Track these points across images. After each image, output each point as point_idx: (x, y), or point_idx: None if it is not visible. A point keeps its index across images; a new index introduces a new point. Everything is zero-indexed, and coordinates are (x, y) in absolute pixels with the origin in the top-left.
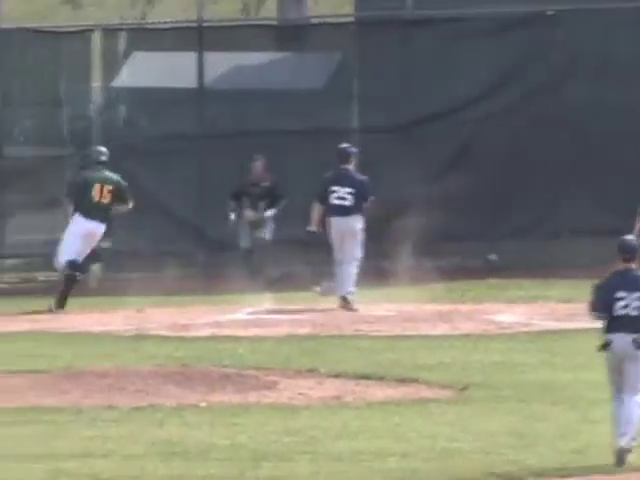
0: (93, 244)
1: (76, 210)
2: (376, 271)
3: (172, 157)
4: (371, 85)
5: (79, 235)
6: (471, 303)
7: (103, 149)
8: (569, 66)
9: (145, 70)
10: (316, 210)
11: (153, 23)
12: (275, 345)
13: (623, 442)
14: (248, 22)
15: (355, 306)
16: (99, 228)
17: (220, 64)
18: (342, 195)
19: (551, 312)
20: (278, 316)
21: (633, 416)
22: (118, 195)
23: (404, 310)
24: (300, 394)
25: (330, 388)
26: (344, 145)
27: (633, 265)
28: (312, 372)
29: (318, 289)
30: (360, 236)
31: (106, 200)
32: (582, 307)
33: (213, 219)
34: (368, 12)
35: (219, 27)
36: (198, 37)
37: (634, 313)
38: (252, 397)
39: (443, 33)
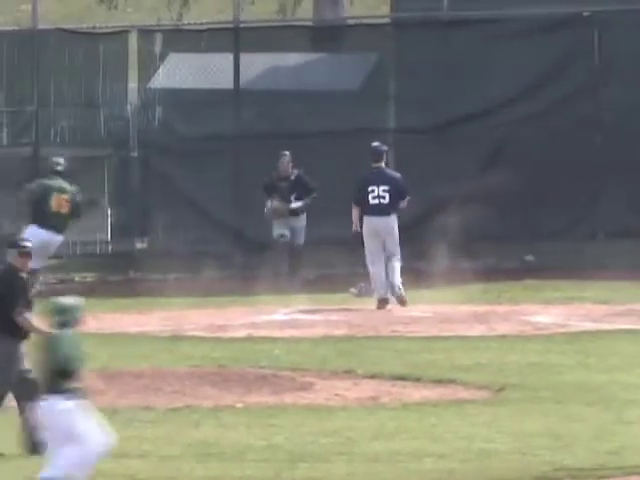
0: (49, 255)
1: (32, 220)
2: (412, 272)
3: (208, 158)
4: (407, 86)
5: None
6: (507, 304)
7: (60, 159)
8: (606, 67)
9: (181, 71)
10: (355, 211)
11: (189, 24)
12: (311, 346)
13: None
14: (284, 23)
15: (390, 306)
16: (54, 238)
17: (256, 65)
18: (380, 194)
19: (587, 313)
20: (314, 317)
21: None
22: (72, 206)
23: (440, 311)
24: (336, 395)
25: (366, 389)
26: (376, 144)
27: None
28: (348, 373)
29: (354, 290)
30: (397, 233)
31: (64, 210)
32: (618, 309)
33: (250, 220)
34: (404, 13)
35: (255, 28)
36: (234, 38)
37: None
38: (288, 398)
39: (479, 34)
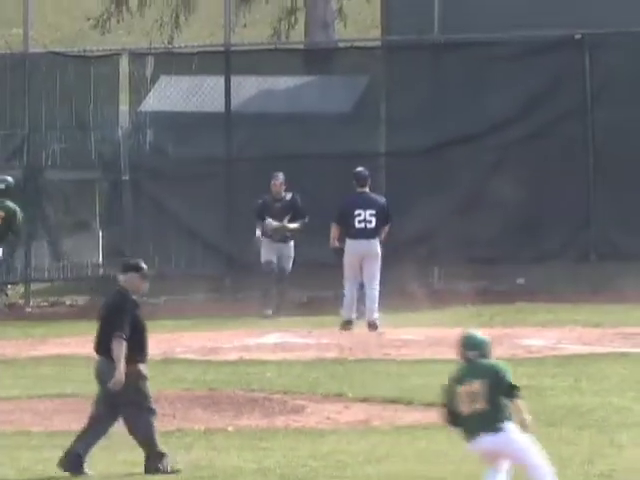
0: None
1: None
2: (404, 294)
3: (200, 181)
4: (398, 109)
5: None
6: (499, 327)
7: (7, 178)
8: (597, 90)
9: (172, 94)
10: (334, 229)
11: (180, 47)
12: (303, 369)
13: None
14: (275, 46)
15: (381, 329)
16: None
17: (247, 88)
18: (366, 218)
19: (579, 336)
20: (305, 340)
21: None
22: (7, 223)
23: (432, 334)
24: (328, 418)
25: (358, 412)
26: (359, 168)
27: None
28: (339, 396)
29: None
30: (380, 258)
31: None
32: (610, 332)
33: (241, 243)
34: (395, 36)
35: (246, 51)
36: (225, 61)
37: None
38: (280, 421)
39: (470, 57)
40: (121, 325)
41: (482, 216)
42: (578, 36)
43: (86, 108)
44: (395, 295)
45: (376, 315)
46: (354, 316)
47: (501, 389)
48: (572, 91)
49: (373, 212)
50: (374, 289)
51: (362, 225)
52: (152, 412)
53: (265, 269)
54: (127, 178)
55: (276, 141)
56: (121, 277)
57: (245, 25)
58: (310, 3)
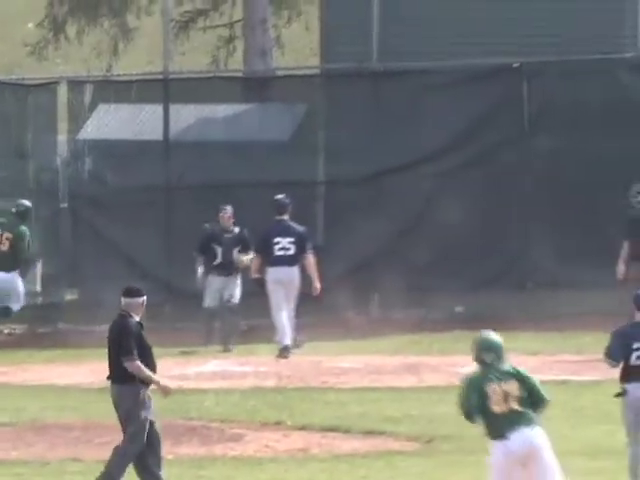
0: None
1: None
2: (342, 323)
3: (139, 209)
4: (337, 137)
5: None
6: (437, 355)
7: (24, 201)
8: (535, 117)
9: (111, 122)
10: (256, 260)
11: (119, 75)
12: (241, 397)
13: None
14: (214, 74)
15: (290, 355)
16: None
17: (186, 116)
18: (285, 245)
19: (517, 364)
20: (244, 368)
21: None
22: (15, 248)
23: (370, 362)
24: (266, 446)
25: (296, 440)
26: (280, 196)
27: None
28: (278, 424)
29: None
30: (298, 286)
31: (4, 248)
32: (548, 359)
33: (180, 271)
34: (334, 64)
35: (185, 79)
36: (164, 89)
37: None
38: (218, 450)
39: (409, 85)
40: (128, 348)
41: (420, 244)
42: (516, 64)
43: (24, 136)
44: (334, 323)
45: (288, 341)
46: (289, 342)
47: (533, 397)
48: (510, 119)
49: (292, 240)
50: (291, 317)
51: (281, 252)
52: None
53: (207, 311)
54: (66, 206)
55: (215, 169)
56: (123, 301)
57: (184, 53)
58: (248, 31)
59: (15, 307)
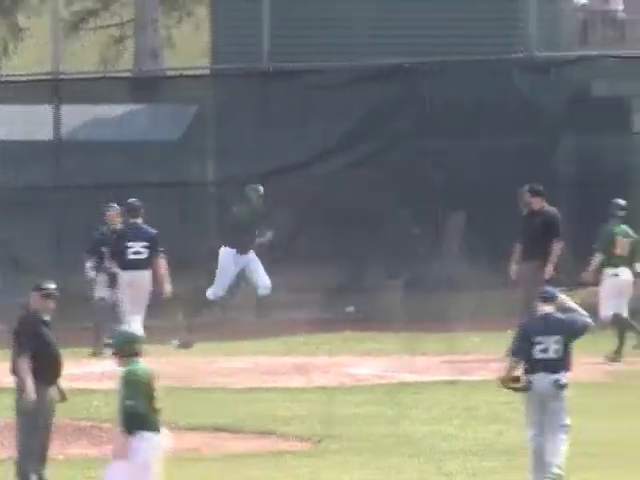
0: None
1: None
2: (233, 324)
3: (28, 210)
4: (227, 137)
5: None
6: (327, 356)
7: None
8: (426, 117)
9: (1, 123)
10: (111, 263)
11: (9, 76)
12: None
13: (554, 470)
14: (104, 75)
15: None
16: None
17: (77, 116)
18: (138, 249)
19: (407, 365)
20: None
21: (559, 450)
22: None
23: (261, 362)
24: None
25: (187, 440)
26: (132, 200)
27: (549, 309)
28: (169, 424)
29: (175, 342)
30: (149, 290)
31: None
32: (436, 360)
33: (70, 271)
34: (224, 64)
35: (75, 79)
36: (54, 89)
37: (553, 355)
38: (109, 450)
39: (300, 85)
40: (19, 344)
41: (310, 245)
42: (407, 65)
43: None
44: (225, 323)
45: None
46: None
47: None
48: (401, 119)
49: (145, 244)
50: (137, 317)
51: (134, 256)
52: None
53: (99, 304)
54: None
55: (105, 169)
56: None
57: (74, 53)
58: (139, 31)
59: None
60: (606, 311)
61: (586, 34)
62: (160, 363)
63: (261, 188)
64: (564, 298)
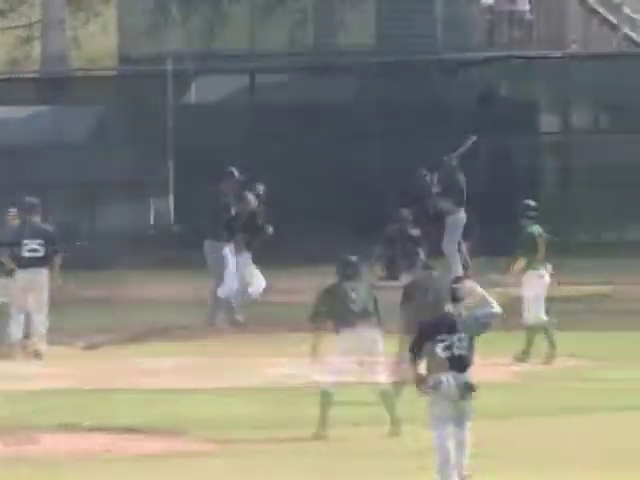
0: None
1: None
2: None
3: None
4: (133, 137)
5: None
6: (239, 356)
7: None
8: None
9: None
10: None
11: None
12: (37, 399)
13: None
14: (9, 76)
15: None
16: None
17: None
18: (34, 247)
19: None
20: (39, 369)
21: (465, 451)
22: None
23: (170, 363)
24: (64, 448)
25: (95, 442)
26: (29, 198)
27: (452, 309)
28: (75, 426)
29: (81, 343)
30: (47, 289)
31: None
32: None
33: None
34: (130, 66)
35: None
36: None
37: (458, 353)
38: (14, 451)
39: (204, 85)
40: None
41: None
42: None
43: None
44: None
45: (44, 347)
46: (17, 338)
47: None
48: None
49: (41, 242)
50: (43, 315)
51: (29, 254)
52: None
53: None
54: None
55: (10, 171)
56: None
57: None
58: (45, 32)
59: None
60: (532, 313)
61: (493, 35)
62: (69, 364)
63: (261, 188)
64: (472, 285)
